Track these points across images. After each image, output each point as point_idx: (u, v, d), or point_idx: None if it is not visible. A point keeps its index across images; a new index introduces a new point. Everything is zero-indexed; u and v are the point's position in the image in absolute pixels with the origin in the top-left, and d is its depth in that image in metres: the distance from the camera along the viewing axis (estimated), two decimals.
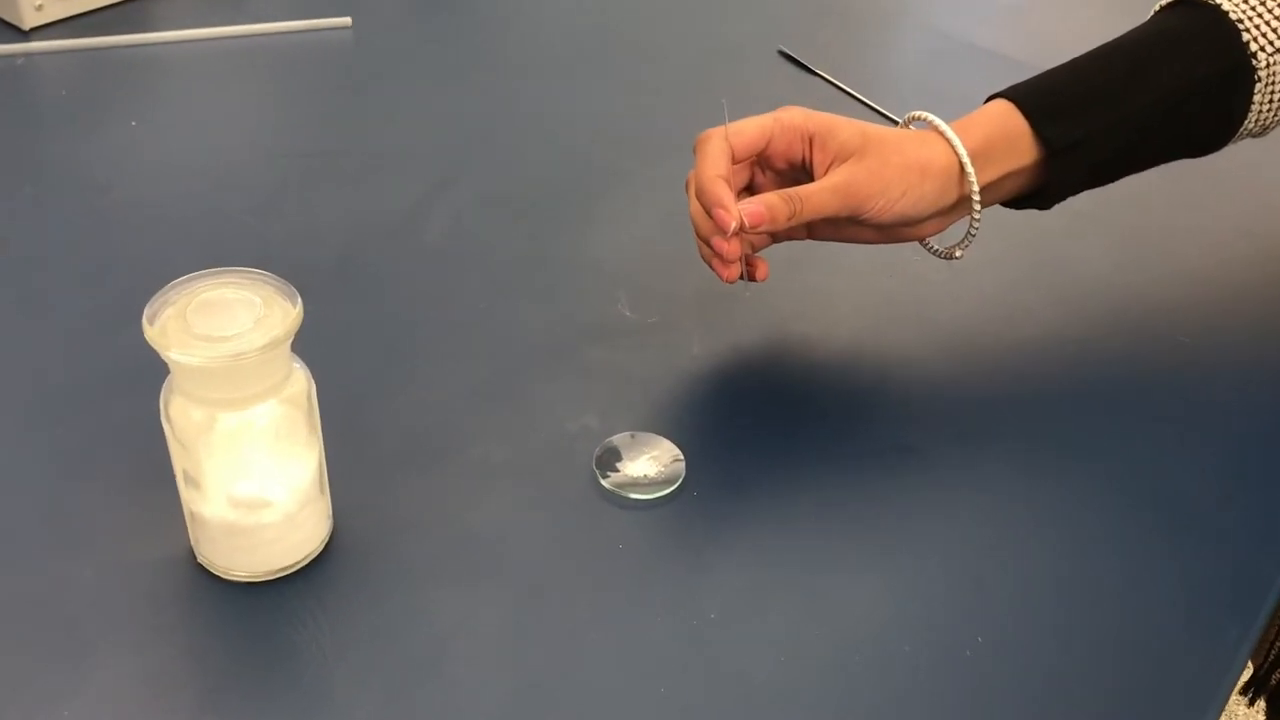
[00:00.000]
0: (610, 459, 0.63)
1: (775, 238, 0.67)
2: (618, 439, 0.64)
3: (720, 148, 0.60)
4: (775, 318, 0.73)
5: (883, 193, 0.60)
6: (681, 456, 0.63)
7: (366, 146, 0.89)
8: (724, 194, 0.59)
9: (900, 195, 0.60)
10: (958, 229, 0.67)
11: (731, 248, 0.60)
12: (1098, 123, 0.63)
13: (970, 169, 0.62)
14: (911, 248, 0.70)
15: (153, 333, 0.49)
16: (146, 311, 0.50)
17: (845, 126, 0.61)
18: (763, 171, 0.65)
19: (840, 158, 0.61)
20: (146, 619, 0.54)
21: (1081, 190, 0.67)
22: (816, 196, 0.60)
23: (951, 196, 0.63)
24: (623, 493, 0.61)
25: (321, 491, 0.57)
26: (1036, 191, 0.66)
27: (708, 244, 0.63)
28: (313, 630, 0.54)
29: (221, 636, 0.54)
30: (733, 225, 0.59)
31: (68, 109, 0.92)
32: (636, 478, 0.62)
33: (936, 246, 0.69)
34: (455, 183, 0.85)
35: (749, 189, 0.66)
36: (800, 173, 0.64)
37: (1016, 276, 0.78)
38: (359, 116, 0.93)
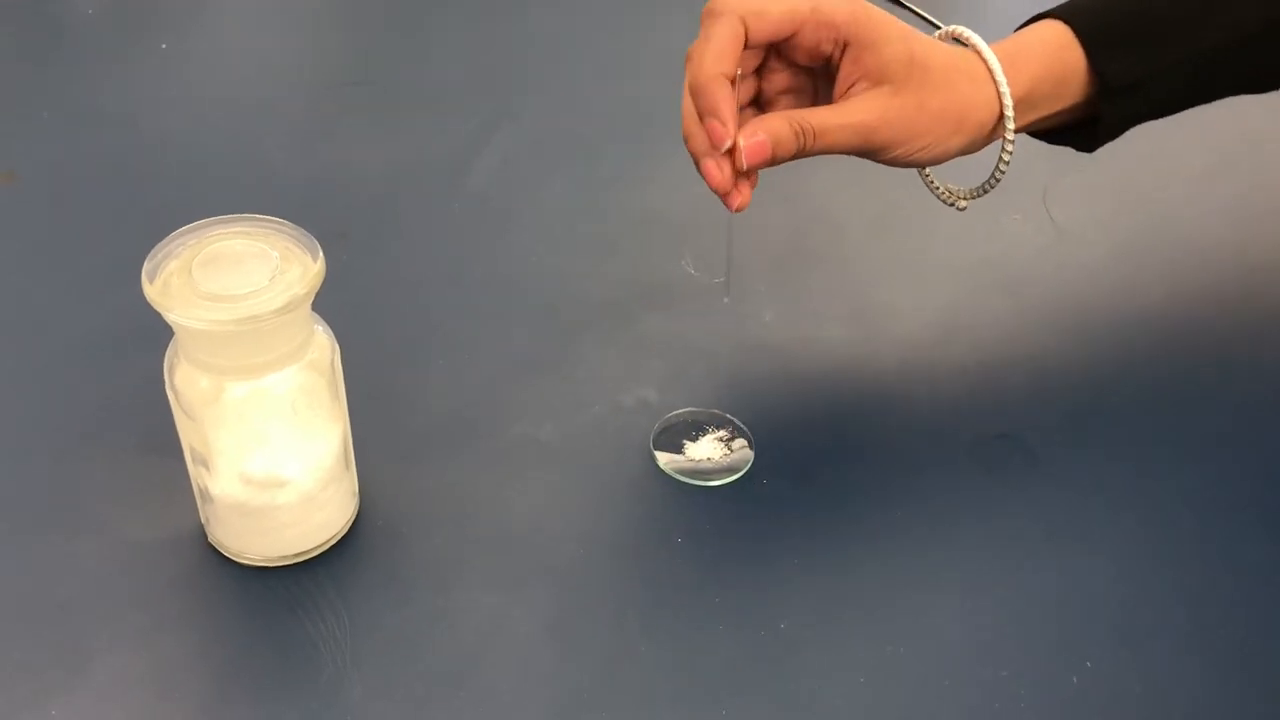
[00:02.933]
0: (670, 439, 0.56)
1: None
2: (678, 416, 0.57)
3: (731, 32, 0.48)
4: (858, 282, 0.66)
5: (908, 140, 0.51)
6: (750, 439, 0.56)
7: (410, 81, 0.82)
8: (723, 101, 0.47)
9: (924, 147, 0.52)
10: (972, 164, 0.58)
11: (720, 173, 0.49)
12: (1165, 59, 0.54)
13: (1010, 124, 0.53)
14: (1002, 208, 0.62)
15: (153, 291, 0.43)
16: (146, 266, 0.43)
17: (892, 43, 0.50)
18: (777, 58, 0.53)
19: (874, 79, 0.50)
20: (151, 605, 0.48)
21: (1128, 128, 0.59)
22: (833, 134, 0.50)
23: (978, 147, 0.54)
24: (683, 478, 0.54)
25: (346, 470, 0.50)
26: (1077, 127, 0.58)
27: (697, 156, 0.50)
28: (332, 625, 0.48)
29: (231, 627, 0.48)
30: (725, 143, 0.48)
31: (93, 29, 0.85)
32: (699, 461, 0.55)
33: (939, 186, 0.59)
34: (505, 123, 0.78)
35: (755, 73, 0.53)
36: (820, 75, 0.53)
37: (1124, 241, 0.70)
38: (404, 48, 0.86)
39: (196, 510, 0.50)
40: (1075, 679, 0.47)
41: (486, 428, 0.57)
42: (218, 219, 0.45)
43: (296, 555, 0.50)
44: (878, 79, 0.50)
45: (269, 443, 0.47)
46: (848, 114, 0.50)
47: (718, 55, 0.48)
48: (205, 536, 0.51)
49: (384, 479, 0.54)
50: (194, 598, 0.49)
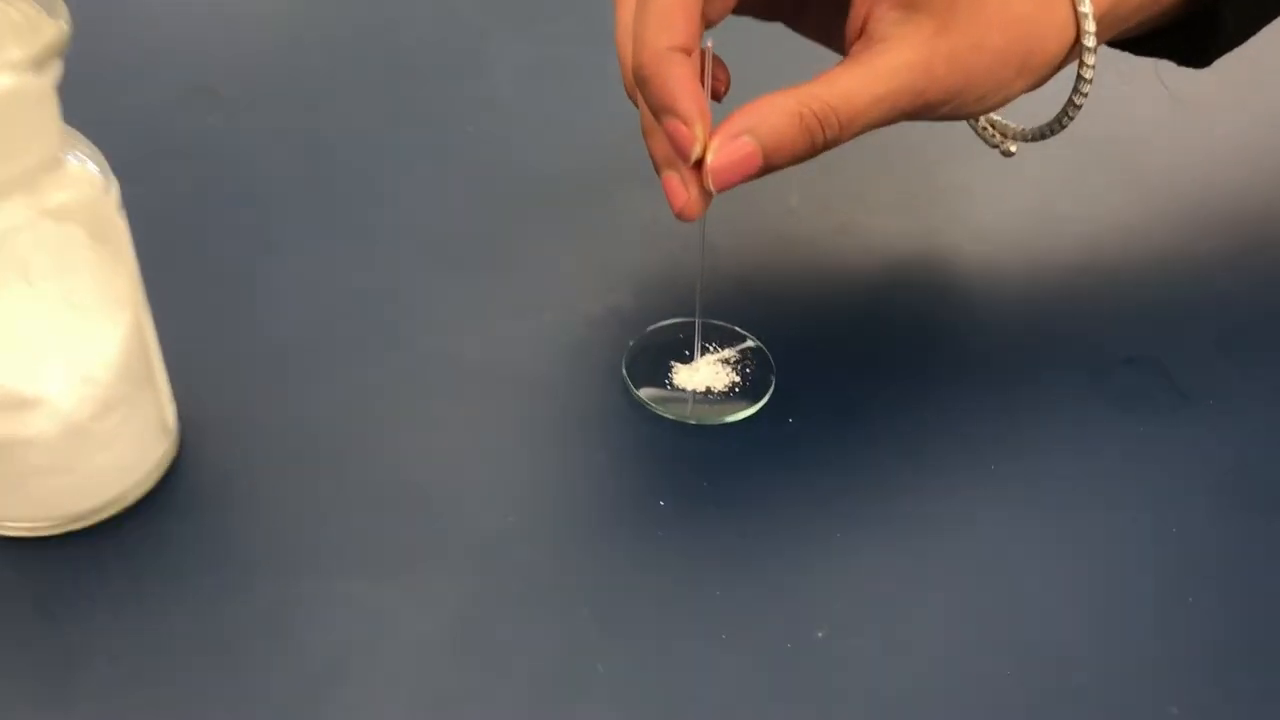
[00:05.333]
0: (651, 362, 0.39)
1: None
2: (664, 331, 0.40)
3: None
4: (919, 159, 0.48)
5: (959, 93, 0.35)
6: (769, 363, 0.39)
7: None
8: (680, 88, 0.32)
9: (980, 97, 0.36)
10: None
11: (686, 192, 0.34)
12: None
13: (1091, 55, 0.37)
14: (1099, 72, 0.44)
15: None
16: None
17: None
18: None
19: (904, 3, 0.34)
20: None
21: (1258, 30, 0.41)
22: (867, 114, 0.34)
23: (1041, 84, 0.38)
24: (670, 415, 0.37)
25: (147, 388, 0.33)
26: (1175, 33, 0.40)
27: (657, 163, 0.35)
28: (119, 629, 0.30)
29: None
30: (693, 152, 0.32)
31: None
32: (692, 393, 0.38)
33: (980, 120, 0.42)
34: None
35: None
36: (825, 9, 0.38)
37: (1262, 113, 0.52)
38: None
39: None
40: (1175, 709, 0.30)
41: (379, 338, 0.39)
42: None
43: (69, 521, 0.32)
44: (909, 3, 0.33)
45: None
46: (881, 77, 0.33)
47: (663, 20, 0.32)
48: None
49: (217, 408, 0.36)
50: None
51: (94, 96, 0.51)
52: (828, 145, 0.34)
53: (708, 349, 0.39)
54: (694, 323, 0.38)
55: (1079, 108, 0.39)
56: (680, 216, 0.34)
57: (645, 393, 0.37)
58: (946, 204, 0.46)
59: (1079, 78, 0.38)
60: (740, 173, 0.33)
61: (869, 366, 0.39)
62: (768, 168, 0.33)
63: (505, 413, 0.37)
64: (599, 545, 0.33)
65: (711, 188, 0.33)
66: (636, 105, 0.36)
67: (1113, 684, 0.30)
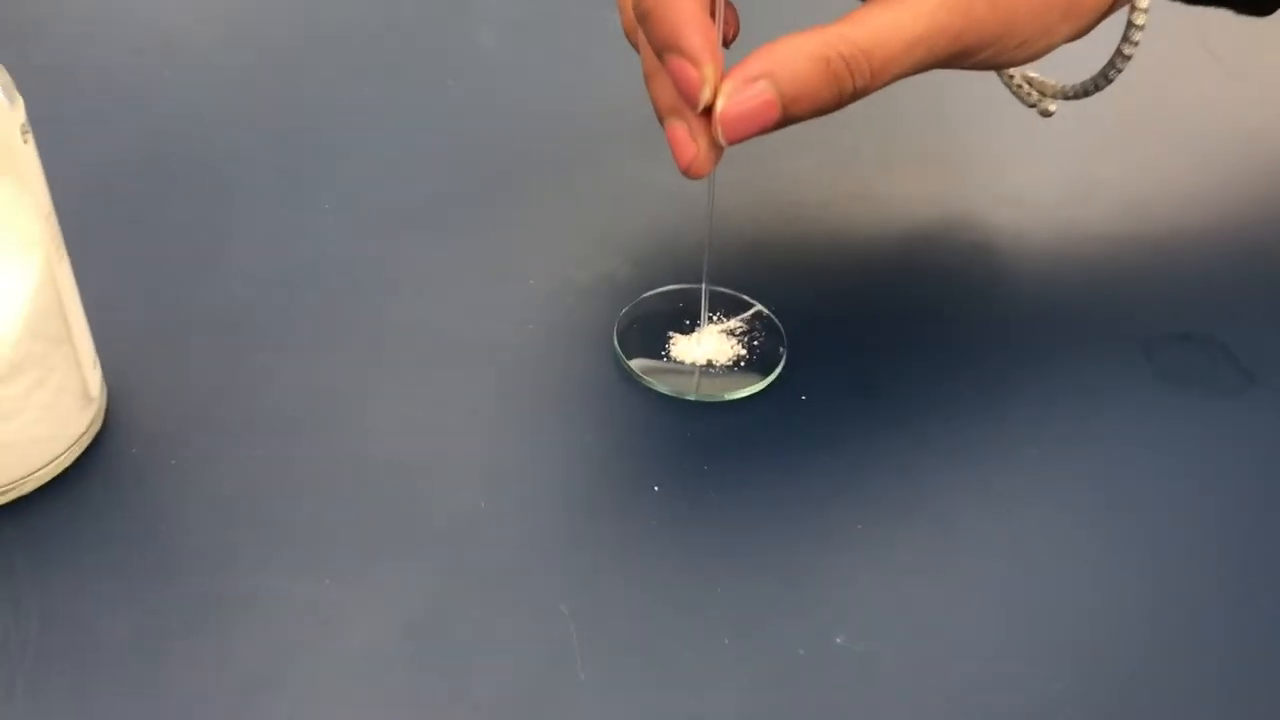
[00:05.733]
0: (646, 332, 0.34)
1: None
2: (661, 297, 0.35)
3: None
4: (946, 117, 0.44)
5: (1000, 38, 0.31)
6: (780, 333, 0.34)
7: None
8: (688, 23, 0.28)
9: (1021, 43, 0.32)
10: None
11: (693, 144, 0.29)
12: None
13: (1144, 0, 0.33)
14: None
15: None
16: None
17: None
18: None
19: None
20: None
21: None
22: (899, 60, 0.29)
23: (1087, 31, 0.34)
24: (667, 391, 0.32)
25: (64, 346, 0.28)
26: None
27: (660, 111, 0.31)
28: (21, 626, 0.26)
29: None
30: (702, 97, 0.28)
31: None
32: (693, 366, 0.33)
33: (1016, 78, 0.39)
34: None
35: None
36: None
37: None
38: None
39: None
40: None
41: (343, 304, 0.35)
42: None
43: None
44: None
45: None
46: (918, 17, 0.29)
47: None
48: None
49: (149, 374, 0.32)
50: None
51: (49, 47, 0.47)
52: (856, 95, 0.29)
53: (711, 319, 0.34)
54: (697, 290, 0.34)
55: (1128, 59, 0.34)
56: (687, 173, 0.30)
57: (639, 364, 0.33)
58: (974, 167, 0.42)
59: (1129, 25, 0.34)
60: (755, 124, 0.29)
61: (890, 340, 0.35)
62: (786, 119, 0.29)
63: (480, 386, 0.33)
64: (582, 534, 0.29)
65: (722, 140, 0.29)
66: (637, 49, 0.32)
67: (1176, 700, 0.26)
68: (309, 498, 0.29)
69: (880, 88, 0.30)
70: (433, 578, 0.28)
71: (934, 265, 0.37)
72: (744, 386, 0.33)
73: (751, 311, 0.35)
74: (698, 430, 0.32)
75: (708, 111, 0.29)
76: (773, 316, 0.35)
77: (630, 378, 0.33)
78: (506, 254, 0.37)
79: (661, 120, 0.30)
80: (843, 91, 0.29)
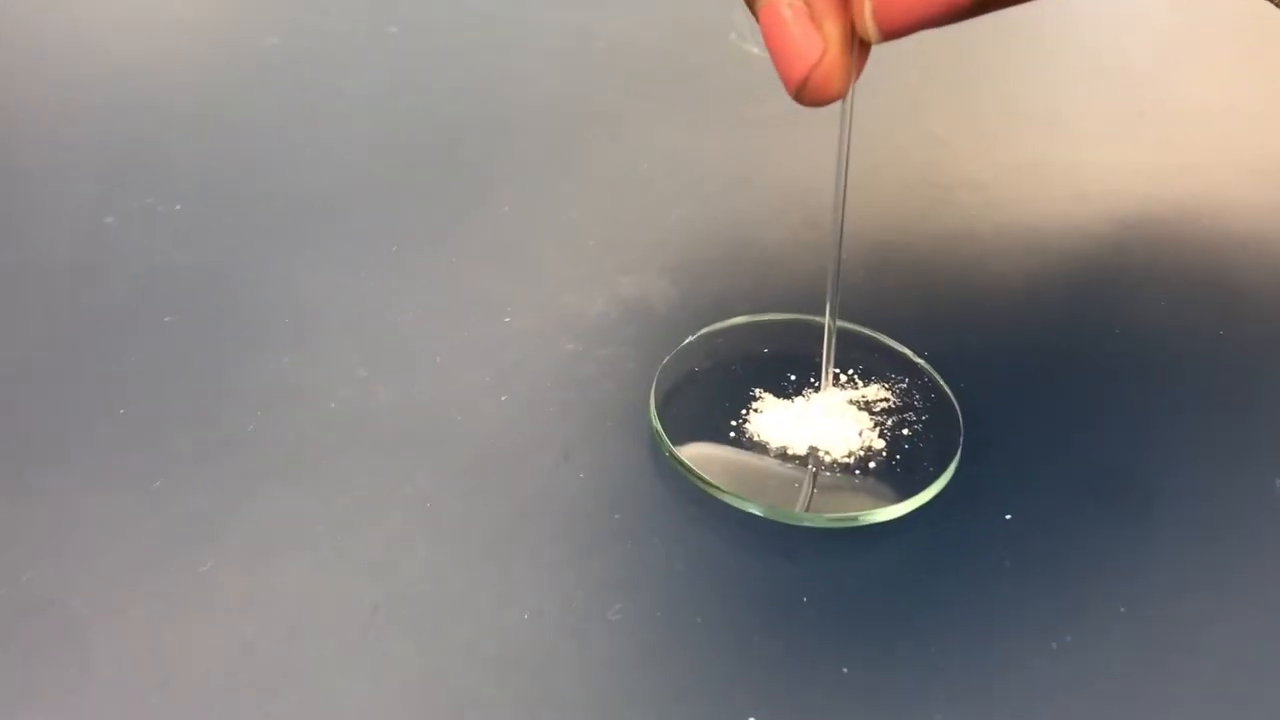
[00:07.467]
0: (706, 394, 0.19)
1: None
2: (734, 331, 0.20)
3: None
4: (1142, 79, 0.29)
5: None
6: (952, 400, 0.19)
7: None
8: None
9: None
10: None
11: (821, 37, 0.16)
12: None
13: None
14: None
15: None
16: None
17: None
18: None
19: None
20: None
21: None
22: None
23: None
24: (758, 505, 0.17)
25: None
26: None
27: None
28: None
29: None
30: None
31: None
32: (803, 458, 0.18)
33: None
34: None
35: None
36: None
37: None
38: None
39: None
40: None
41: (248, 351, 0.20)
42: None
43: None
44: None
45: None
46: None
47: None
48: None
49: None
50: None
51: None
52: None
53: (838, 387, 0.19)
54: (805, 325, 0.19)
55: None
56: (802, 95, 0.16)
57: (691, 454, 0.18)
58: (1190, 125, 0.27)
59: None
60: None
61: (1080, 400, 0.19)
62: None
63: (437, 490, 0.17)
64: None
65: (872, 28, 0.16)
66: None
67: None
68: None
69: None
70: None
71: (1158, 268, 0.22)
72: (897, 501, 0.17)
73: (905, 366, 0.20)
74: (812, 586, 0.16)
75: None
76: (935, 375, 0.19)
77: (675, 474, 0.18)
78: (483, 276, 0.22)
79: (753, 4, 0.16)
80: None
